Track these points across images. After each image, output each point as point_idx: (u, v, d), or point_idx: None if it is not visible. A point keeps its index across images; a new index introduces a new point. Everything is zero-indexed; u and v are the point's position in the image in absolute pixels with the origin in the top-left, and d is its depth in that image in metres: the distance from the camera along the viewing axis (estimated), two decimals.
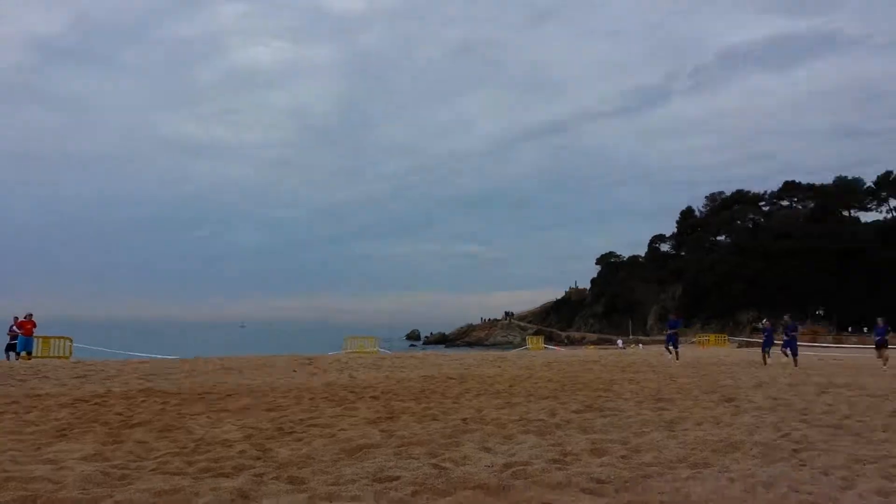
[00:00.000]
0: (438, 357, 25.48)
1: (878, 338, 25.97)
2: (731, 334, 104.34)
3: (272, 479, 5.55)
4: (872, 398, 12.58)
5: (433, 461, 6.15)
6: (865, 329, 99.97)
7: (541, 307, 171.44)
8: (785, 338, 23.72)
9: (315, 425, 8.30)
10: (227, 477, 5.62)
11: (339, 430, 7.88)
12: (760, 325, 31.98)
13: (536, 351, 36.96)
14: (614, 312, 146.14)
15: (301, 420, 8.72)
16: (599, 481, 5.50)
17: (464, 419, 8.89)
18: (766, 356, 23.92)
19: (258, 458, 6.38)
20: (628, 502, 4.89)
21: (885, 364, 23.11)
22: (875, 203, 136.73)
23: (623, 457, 6.59)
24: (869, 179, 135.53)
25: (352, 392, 11.96)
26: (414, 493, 5.04)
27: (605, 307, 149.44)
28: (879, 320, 26.15)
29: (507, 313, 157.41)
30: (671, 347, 26.31)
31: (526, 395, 11.98)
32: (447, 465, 6.06)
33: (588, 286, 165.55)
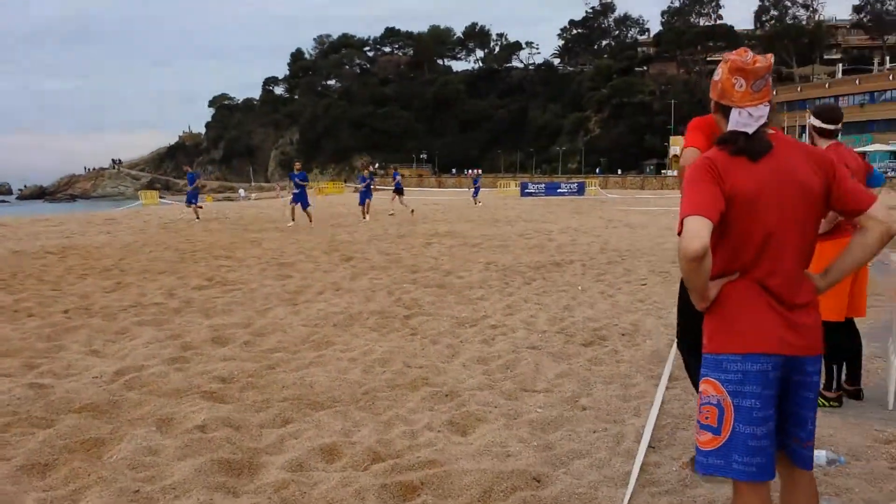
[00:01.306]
0: (34, 223, 22.39)
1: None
2: (347, 180, 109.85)
3: None
4: (470, 248, 14.23)
5: (29, 378, 5.35)
6: (454, 171, 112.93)
7: (153, 153, 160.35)
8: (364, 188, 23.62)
9: None
10: None
11: None
12: (359, 176, 28.81)
13: (151, 206, 34.65)
14: (234, 158, 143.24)
15: None
16: (223, 380, 5.31)
17: (65, 311, 7.92)
18: (365, 211, 23.17)
19: None
20: (253, 402, 4.80)
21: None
22: (464, 53, 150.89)
23: (246, 343, 6.47)
24: (458, 30, 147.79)
25: None
26: (5, 428, 4.32)
27: (224, 152, 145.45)
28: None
29: (114, 161, 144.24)
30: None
31: (140, 270, 11.12)
32: (47, 380, 5.31)
33: (203, 130, 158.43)
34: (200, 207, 25.62)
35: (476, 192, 36.10)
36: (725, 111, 2.43)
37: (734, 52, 2.44)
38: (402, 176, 29.65)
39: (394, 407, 4.67)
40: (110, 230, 19.27)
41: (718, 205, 2.26)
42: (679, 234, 2.25)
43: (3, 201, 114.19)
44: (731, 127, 2.38)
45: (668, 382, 5.03)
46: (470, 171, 76.24)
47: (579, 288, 9.32)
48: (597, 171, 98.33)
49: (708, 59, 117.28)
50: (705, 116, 4.05)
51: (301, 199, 20.61)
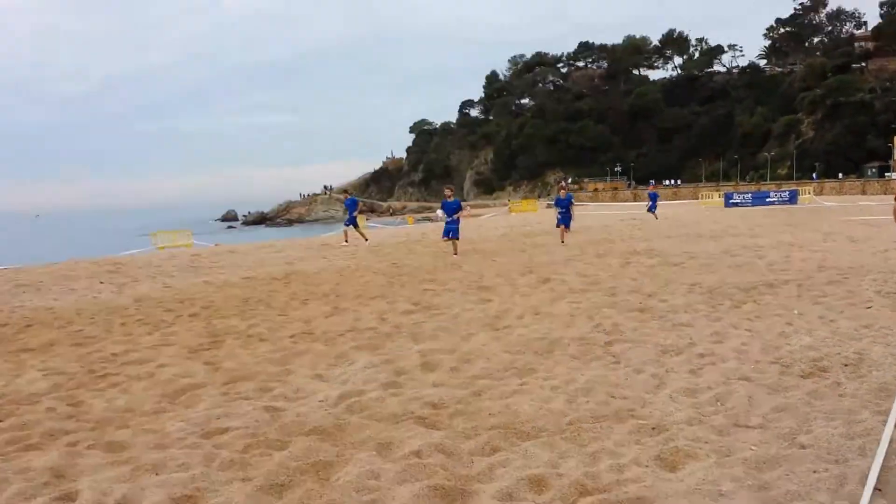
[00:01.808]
0: (259, 249, 24.75)
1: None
2: (541, 195, 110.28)
3: (89, 446, 5.12)
4: (672, 268, 13.79)
5: (264, 401, 5.97)
6: (653, 182, 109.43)
7: (359, 178, 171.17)
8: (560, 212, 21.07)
9: (130, 362, 7.76)
10: (38, 449, 5.12)
11: (158, 367, 7.43)
12: (553, 201, 26.31)
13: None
14: (432, 179, 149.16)
15: (114, 356, 8.12)
16: (433, 406, 5.61)
17: (292, 336, 8.71)
18: (565, 233, 21.08)
19: (70, 417, 5.86)
20: (462, 430, 5.02)
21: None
22: (661, 61, 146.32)
23: (453, 369, 6.76)
24: (655, 38, 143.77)
25: (167, 310, 11.30)
26: (246, 449, 4.87)
27: (423, 175, 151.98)
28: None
29: (325, 187, 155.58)
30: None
31: (355, 295, 11.95)
32: (279, 403, 5.91)
33: (404, 155, 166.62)
34: (363, 237, 25.25)
35: (654, 207, 34.51)
36: None
37: None
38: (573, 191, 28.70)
39: (599, 439, 4.68)
40: (326, 255, 20.82)
41: None
42: None
43: (231, 227, 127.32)
44: None
45: None
46: (652, 182, 72.77)
47: (795, 312, 8.72)
48: (812, 176, 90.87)
49: None
50: None
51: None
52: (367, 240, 24.86)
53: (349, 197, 28.06)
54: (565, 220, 20.78)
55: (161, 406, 6.04)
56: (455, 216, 18.32)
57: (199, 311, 11.02)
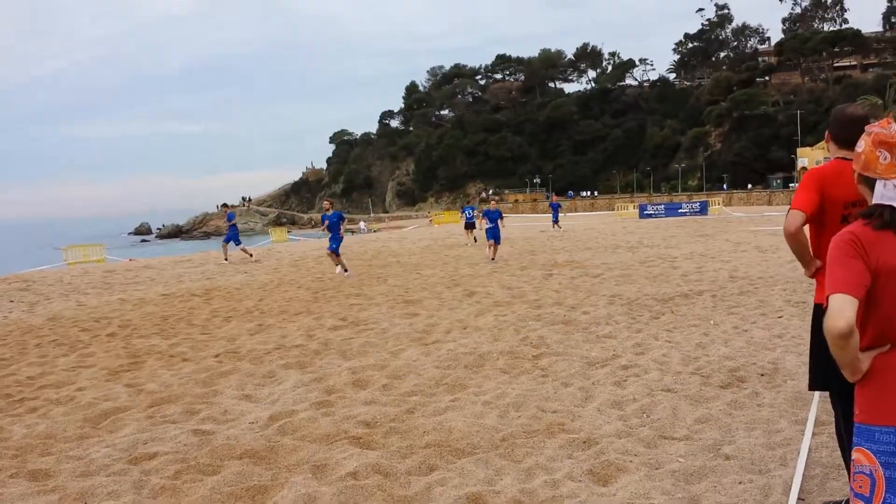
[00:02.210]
0: (177, 264, 24.04)
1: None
2: (462, 206, 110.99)
3: (11, 475, 4.88)
4: (592, 279, 14.16)
5: (192, 424, 5.84)
6: (571, 193, 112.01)
7: (279, 189, 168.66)
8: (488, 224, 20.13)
9: (48, 385, 7.44)
10: None
11: (78, 391, 7.14)
12: (467, 211, 29.61)
13: (281, 244, 36.41)
14: (353, 191, 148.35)
15: (31, 379, 7.76)
16: (367, 424, 5.60)
17: (217, 355, 8.53)
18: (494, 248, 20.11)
19: None
20: (398, 448, 5.03)
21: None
22: (576, 74, 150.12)
23: (384, 386, 6.76)
24: (569, 52, 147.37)
25: (83, 330, 10.87)
26: (177, 475, 4.75)
27: (344, 186, 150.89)
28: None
29: (244, 198, 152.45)
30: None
31: (279, 311, 11.78)
32: (208, 426, 5.78)
33: (324, 166, 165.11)
34: (248, 254, 23.73)
35: (556, 217, 36.31)
36: (870, 183, 2.44)
37: (877, 123, 2.46)
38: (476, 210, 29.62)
39: (533, 454, 4.78)
40: (247, 269, 20.43)
41: (864, 280, 2.27)
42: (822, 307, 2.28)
43: (145, 240, 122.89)
44: (875, 200, 2.39)
45: (814, 428, 4.89)
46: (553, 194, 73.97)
47: (711, 322, 9.11)
48: (723, 187, 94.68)
49: (835, 65, 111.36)
50: (821, 167, 3.97)
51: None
52: (251, 255, 23.62)
53: (230, 210, 24.95)
54: (494, 234, 19.82)
55: (84, 431, 5.81)
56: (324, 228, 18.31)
57: (116, 331, 10.65)
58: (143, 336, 10.11)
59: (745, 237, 24.39)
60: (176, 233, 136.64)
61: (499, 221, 19.83)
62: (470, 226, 28.30)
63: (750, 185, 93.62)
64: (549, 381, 6.64)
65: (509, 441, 5.05)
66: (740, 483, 4.12)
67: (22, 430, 5.86)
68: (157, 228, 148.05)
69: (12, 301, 14.98)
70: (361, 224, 75.12)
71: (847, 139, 3.44)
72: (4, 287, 17.64)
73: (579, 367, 7.07)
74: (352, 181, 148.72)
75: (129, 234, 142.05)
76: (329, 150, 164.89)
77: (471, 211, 29.49)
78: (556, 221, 36.93)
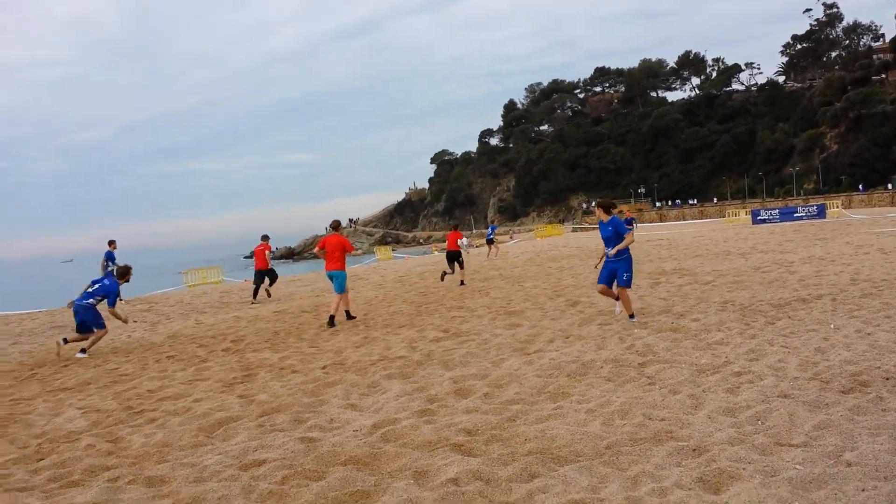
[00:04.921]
0: (288, 283, 24.90)
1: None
2: (564, 219, 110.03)
3: (129, 482, 5.16)
4: (702, 286, 13.65)
5: (299, 432, 5.98)
6: (679, 202, 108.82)
7: (384, 210, 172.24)
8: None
9: (166, 398, 7.83)
10: (79, 486, 5.17)
11: (194, 402, 7.48)
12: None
13: (386, 261, 37.13)
14: (455, 208, 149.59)
15: (150, 392, 8.20)
16: (468, 432, 5.57)
17: (324, 367, 8.74)
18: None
19: (110, 454, 5.91)
20: (499, 456, 4.97)
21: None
22: (678, 82, 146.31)
23: (486, 395, 6.72)
24: (671, 60, 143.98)
25: (201, 346, 11.40)
26: (284, 480, 4.87)
27: (447, 204, 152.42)
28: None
29: (351, 220, 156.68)
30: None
31: (384, 325, 11.97)
32: (314, 433, 5.91)
33: (426, 185, 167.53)
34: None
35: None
36: None
37: None
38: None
39: (639, 462, 4.61)
40: (353, 286, 20.88)
41: None
42: None
43: None
44: None
45: None
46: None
47: (831, 326, 8.57)
48: (860, 188, 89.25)
49: None
50: None
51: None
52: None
53: (109, 249, 20.56)
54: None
55: (198, 440, 6.07)
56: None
57: (230, 346, 11.10)
58: (256, 350, 10.49)
59: (867, 239, 22.90)
60: (289, 255, 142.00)
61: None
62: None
63: (863, 188, 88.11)
64: (657, 388, 6.41)
65: (614, 449, 4.90)
66: (863, 490, 3.82)
67: (140, 440, 6.18)
68: (272, 252, 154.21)
69: (136, 321, 15.89)
70: (464, 240, 75.62)
71: None
72: (129, 308, 18.75)
73: (688, 375, 6.79)
74: (454, 199, 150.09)
75: (245, 257, 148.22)
76: (431, 170, 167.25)
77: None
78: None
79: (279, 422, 6.40)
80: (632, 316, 10.07)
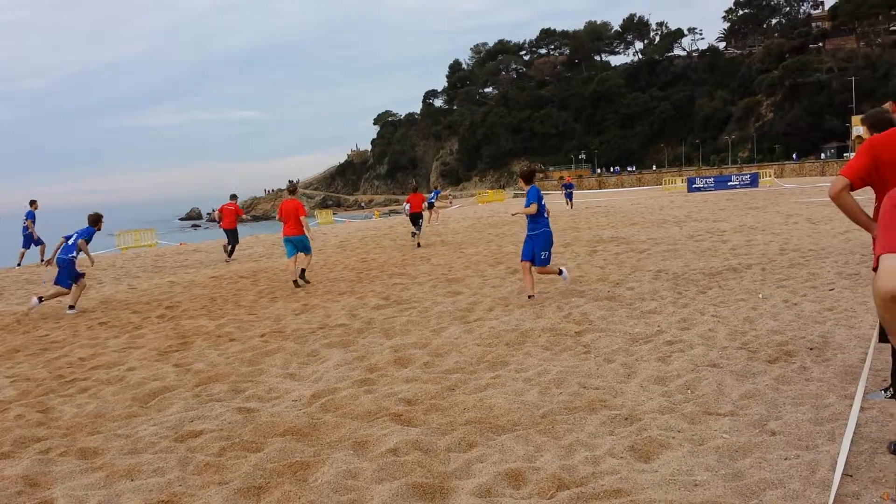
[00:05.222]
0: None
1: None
2: (506, 185, 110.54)
3: (61, 454, 5.03)
4: (638, 255, 13.95)
5: (237, 402, 5.93)
6: (617, 169, 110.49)
7: (325, 172, 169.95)
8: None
9: (99, 366, 7.66)
10: (9, 458, 5.03)
11: (128, 371, 7.33)
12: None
13: (326, 226, 36.76)
14: (398, 171, 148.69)
15: (82, 360, 8.00)
16: (408, 402, 5.61)
17: (262, 335, 8.66)
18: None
19: (40, 424, 5.76)
20: (438, 426, 5.03)
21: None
22: (622, 46, 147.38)
23: (426, 364, 6.77)
24: (615, 24, 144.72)
25: (134, 312, 11.15)
26: (221, 452, 4.83)
27: (389, 167, 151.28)
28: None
29: (290, 181, 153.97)
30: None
31: (324, 292, 11.90)
32: (252, 404, 5.87)
33: (369, 147, 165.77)
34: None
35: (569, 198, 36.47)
36: None
37: None
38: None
39: (574, 431, 4.73)
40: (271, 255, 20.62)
41: None
42: (874, 270, 2.18)
43: (195, 225, 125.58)
44: None
45: (862, 403, 4.73)
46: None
47: (760, 296, 8.89)
48: (793, 157, 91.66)
49: (892, 28, 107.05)
50: (883, 134, 3.83)
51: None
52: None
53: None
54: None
55: (133, 410, 5.96)
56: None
57: (165, 312, 10.89)
58: (192, 317, 10.31)
59: (797, 209, 23.75)
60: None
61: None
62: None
63: (796, 157, 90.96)
64: (592, 357, 6.56)
65: (550, 418, 5.01)
66: (786, 459, 4.00)
67: (73, 410, 6.04)
68: (207, 213, 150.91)
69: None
70: (407, 206, 75.47)
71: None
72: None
73: (622, 344, 6.97)
74: (396, 162, 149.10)
75: (181, 219, 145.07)
76: (374, 131, 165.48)
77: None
78: (569, 200, 36.89)
79: (216, 392, 6.33)
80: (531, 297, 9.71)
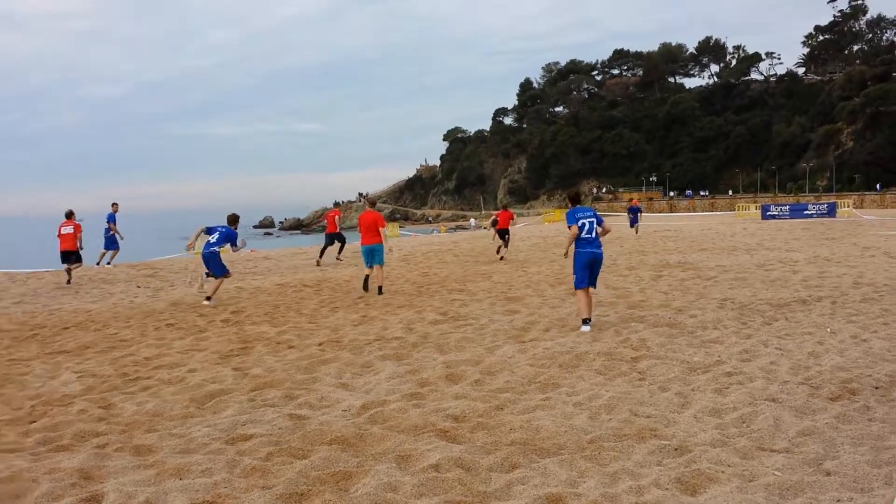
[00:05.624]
0: (294, 256, 24.97)
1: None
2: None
3: (116, 449, 5.23)
4: (704, 281, 13.62)
5: (289, 409, 6.04)
6: (690, 193, 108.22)
7: (393, 186, 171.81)
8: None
9: (162, 366, 7.92)
10: (67, 450, 5.25)
11: (189, 372, 7.56)
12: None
13: (393, 239, 37.10)
14: (465, 187, 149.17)
15: (147, 360, 8.29)
16: (455, 418, 5.62)
17: (320, 344, 8.80)
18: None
19: (101, 420, 6.00)
20: (482, 444, 5.02)
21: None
22: (697, 69, 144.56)
23: (477, 381, 6.77)
24: (691, 46, 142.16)
25: (201, 315, 11.49)
26: (268, 456, 4.93)
27: (457, 183, 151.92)
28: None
29: (360, 194, 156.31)
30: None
31: (383, 304, 12.02)
32: (303, 411, 5.98)
33: (438, 163, 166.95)
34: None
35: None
36: None
37: None
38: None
39: (620, 459, 4.64)
40: (358, 263, 20.91)
41: None
42: None
43: (268, 233, 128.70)
44: None
45: None
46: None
47: (828, 330, 8.57)
48: (877, 187, 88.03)
49: None
50: None
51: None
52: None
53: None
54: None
55: (189, 411, 6.14)
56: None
57: (230, 317, 11.18)
58: (255, 323, 10.57)
59: (875, 241, 22.78)
60: (297, 226, 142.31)
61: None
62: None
63: (878, 187, 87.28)
64: (646, 384, 6.44)
65: (597, 444, 4.94)
66: (838, 501, 3.85)
67: (133, 408, 6.26)
68: (280, 222, 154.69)
69: (139, 287, 16.00)
70: (472, 221, 75.71)
71: None
72: (133, 273, 18.88)
73: (679, 372, 6.82)
74: (464, 178, 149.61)
75: (254, 227, 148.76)
76: (443, 147, 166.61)
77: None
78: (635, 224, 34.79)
79: (270, 397, 6.46)
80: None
